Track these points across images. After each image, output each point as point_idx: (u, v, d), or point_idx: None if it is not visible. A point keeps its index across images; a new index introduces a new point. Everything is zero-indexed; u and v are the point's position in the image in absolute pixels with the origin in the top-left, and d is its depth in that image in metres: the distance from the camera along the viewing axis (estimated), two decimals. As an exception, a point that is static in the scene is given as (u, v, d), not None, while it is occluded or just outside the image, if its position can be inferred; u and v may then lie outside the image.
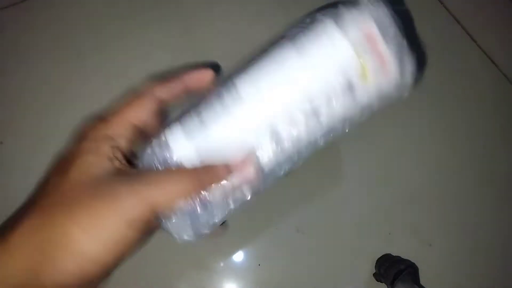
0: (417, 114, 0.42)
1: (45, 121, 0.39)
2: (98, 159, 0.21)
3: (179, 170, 0.22)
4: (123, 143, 0.21)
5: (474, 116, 0.43)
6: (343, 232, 0.37)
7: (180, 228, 0.23)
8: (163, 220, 0.22)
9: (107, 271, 0.20)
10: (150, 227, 0.21)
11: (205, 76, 0.24)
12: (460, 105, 0.43)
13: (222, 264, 0.36)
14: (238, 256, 0.36)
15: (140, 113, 0.22)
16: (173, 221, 0.22)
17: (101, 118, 0.22)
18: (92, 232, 0.19)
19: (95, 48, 0.42)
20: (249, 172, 0.22)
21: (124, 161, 0.21)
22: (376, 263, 0.36)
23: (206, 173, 0.22)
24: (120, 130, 0.22)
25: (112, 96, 0.40)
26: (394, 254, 0.36)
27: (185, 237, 0.23)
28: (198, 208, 0.22)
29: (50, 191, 0.21)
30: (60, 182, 0.21)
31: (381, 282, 0.35)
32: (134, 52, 0.41)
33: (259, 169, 0.23)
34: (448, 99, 0.43)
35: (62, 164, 0.22)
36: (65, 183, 0.20)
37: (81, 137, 0.22)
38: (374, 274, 0.36)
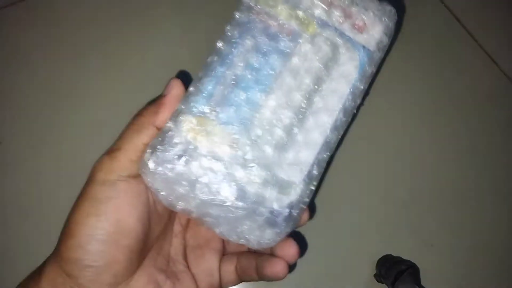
0: (418, 114, 0.42)
1: (45, 121, 0.39)
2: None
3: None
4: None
5: (475, 116, 0.42)
6: (343, 233, 0.37)
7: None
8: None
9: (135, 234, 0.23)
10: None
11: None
12: (461, 105, 0.43)
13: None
14: (238, 257, 0.36)
15: (143, 144, 0.24)
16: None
17: (110, 155, 0.24)
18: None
19: (95, 48, 0.41)
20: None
21: None
22: (376, 263, 0.36)
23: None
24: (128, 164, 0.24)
25: (112, 96, 0.41)
26: (395, 255, 0.36)
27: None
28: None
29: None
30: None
31: (382, 283, 0.35)
32: (135, 52, 0.41)
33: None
34: (448, 98, 0.43)
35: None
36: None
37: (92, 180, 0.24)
38: (375, 275, 0.36)
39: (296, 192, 0.22)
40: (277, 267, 0.26)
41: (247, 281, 0.29)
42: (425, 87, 0.43)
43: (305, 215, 0.26)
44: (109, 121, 0.39)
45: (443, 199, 0.39)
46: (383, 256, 0.36)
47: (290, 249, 0.26)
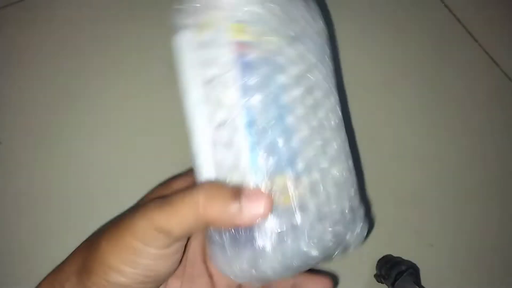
0: (418, 114, 0.42)
1: (45, 121, 0.39)
2: None
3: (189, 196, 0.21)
4: None
5: (475, 116, 0.42)
6: (343, 233, 0.37)
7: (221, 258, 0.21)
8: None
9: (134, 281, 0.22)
10: (166, 244, 0.21)
11: None
12: (461, 105, 0.43)
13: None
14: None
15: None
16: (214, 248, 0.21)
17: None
18: (113, 244, 0.21)
19: (95, 48, 0.41)
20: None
21: None
22: (377, 264, 0.36)
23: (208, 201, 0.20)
24: None
25: (112, 96, 0.40)
26: (395, 255, 0.36)
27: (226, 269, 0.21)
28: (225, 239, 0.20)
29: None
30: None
31: (382, 283, 0.35)
32: (135, 52, 0.41)
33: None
34: (448, 98, 0.43)
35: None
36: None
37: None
38: (375, 275, 0.36)
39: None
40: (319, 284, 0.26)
41: None
42: (425, 87, 0.43)
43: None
44: (109, 121, 0.39)
45: (443, 199, 0.39)
46: (383, 256, 0.36)
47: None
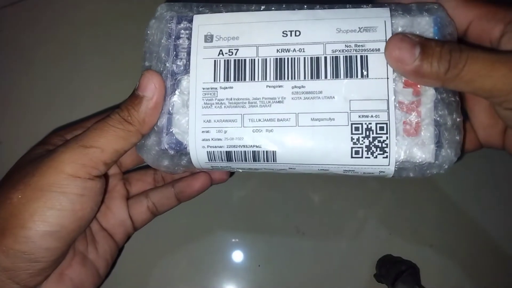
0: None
1: (45, 121, 0.39)
2: None
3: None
4: None
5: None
6: (343, 233, 0.37)
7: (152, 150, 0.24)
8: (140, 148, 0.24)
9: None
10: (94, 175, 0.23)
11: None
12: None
13: (221, 265, 0.36)
14: (238, 257, 0.36)
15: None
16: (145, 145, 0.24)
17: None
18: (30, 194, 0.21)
19: (95, 48, 0.41)
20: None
21: None
22: (376, 264, 0.36)
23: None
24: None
25: (112, 96, 0.40)
26: (395, 255, 0.36)
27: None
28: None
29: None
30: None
31: (381, 283, 0.35)
32: (135, 52, 0.41)
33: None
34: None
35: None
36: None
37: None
38: (374, 275, 0.36)
39: None
40: (202, 179, 0.28)
41: (162, 213, 0.31)
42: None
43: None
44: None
45: (443, 199, 0.39)
46: (383, 256, 0.36)
47: (222, 174, 0.29)
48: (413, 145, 0.23)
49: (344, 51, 0.23)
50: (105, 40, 0.42)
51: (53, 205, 0.21)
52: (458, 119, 0.23)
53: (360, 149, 0.22)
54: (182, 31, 0.25)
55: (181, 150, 0.24)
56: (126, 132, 0.23)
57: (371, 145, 0.22)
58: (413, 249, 0.37)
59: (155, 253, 0.36)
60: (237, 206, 0.38)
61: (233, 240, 0.37)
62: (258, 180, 0.38)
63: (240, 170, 0.25)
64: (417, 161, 0.23)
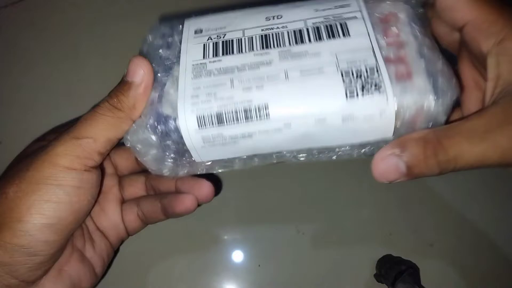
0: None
1: (44, 121, 0.39)
2: None
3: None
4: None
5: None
6: (343, 233, 0.37)
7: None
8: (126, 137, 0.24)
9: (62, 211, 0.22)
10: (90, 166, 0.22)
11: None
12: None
13: (221, 265, 0.36)
14: (238, 257, 0.36)
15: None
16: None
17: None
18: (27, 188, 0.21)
19: (95, 48, 0.41)
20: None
21: None
22: (376, 263, 0.36)
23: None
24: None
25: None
26: (395, 255, 0.36)
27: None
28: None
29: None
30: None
31: (381, 283, 0.35)
32: (135, 52, 0.41)
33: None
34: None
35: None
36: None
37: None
38: (374, 275, 0.36)
39: None
40: (186, 202, 0.27)
41: (153, 223, 0.31)
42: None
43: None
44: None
45: (443, 199, 0.39)
46: (383, 256, 0.36)
47: (204, 189, 0.27)
48: (409, 88, 0.22)
49: (324, 22, 0.24)
50: (105, 40, 0.42)
51: (50, 198, 0.21)
52: (443, 59, 0.22)
53: (354, 89, 0.22)
54: (175, 34, 0.27)
55: (169, 126, 0.23)
56: (116, 119, 0.23)
57: (364, 84, 0.22)
58: (413, 249, 0.37)
59: (155, 253, 0.36)
60: (237, 206, 0.38)
61: (233, 240, 0.37)
62: (258, 180, 0.38)
63: (236, 160, 0.25)
64: (418, 103, 0.22)
